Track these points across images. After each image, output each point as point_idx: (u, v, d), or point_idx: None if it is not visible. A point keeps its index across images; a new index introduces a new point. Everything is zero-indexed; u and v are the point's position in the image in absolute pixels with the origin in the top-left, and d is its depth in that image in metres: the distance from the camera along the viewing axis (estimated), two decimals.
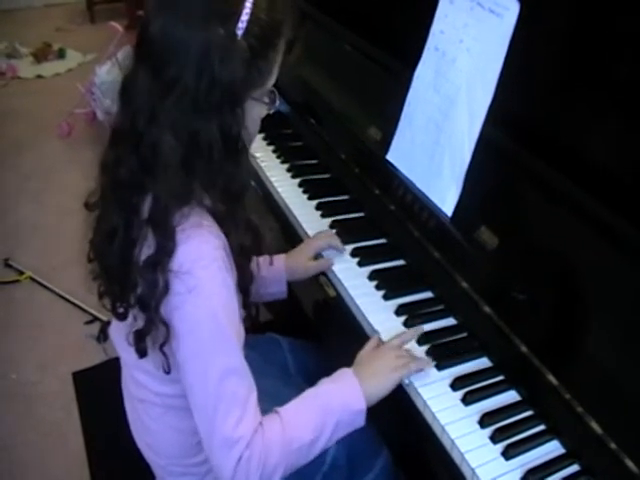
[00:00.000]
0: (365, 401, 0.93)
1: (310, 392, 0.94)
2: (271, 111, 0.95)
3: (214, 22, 0.80)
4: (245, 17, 0.81)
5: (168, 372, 0.90)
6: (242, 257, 0.92)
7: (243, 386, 0.86)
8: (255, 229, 0.93)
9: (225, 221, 0.89)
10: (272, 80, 0.92)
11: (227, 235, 0.88)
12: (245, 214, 0.91)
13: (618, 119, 1.00)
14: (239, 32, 0.81)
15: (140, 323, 0.88)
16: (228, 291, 0.87)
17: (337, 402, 0.92)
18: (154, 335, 0.87)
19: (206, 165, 0.84)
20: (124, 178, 0.86)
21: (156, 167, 0.83)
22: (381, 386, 0.96)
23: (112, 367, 1.14)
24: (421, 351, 1.04)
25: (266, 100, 0.92)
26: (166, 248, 0.83)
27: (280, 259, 1.24)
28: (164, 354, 0.89)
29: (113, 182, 0.88)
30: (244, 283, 0.96)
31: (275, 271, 1.22)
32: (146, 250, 0.85)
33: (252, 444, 0.84)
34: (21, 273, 2.50)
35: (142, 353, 0.90)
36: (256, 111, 0.92)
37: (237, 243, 0.89)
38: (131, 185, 0.86)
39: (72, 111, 3.52)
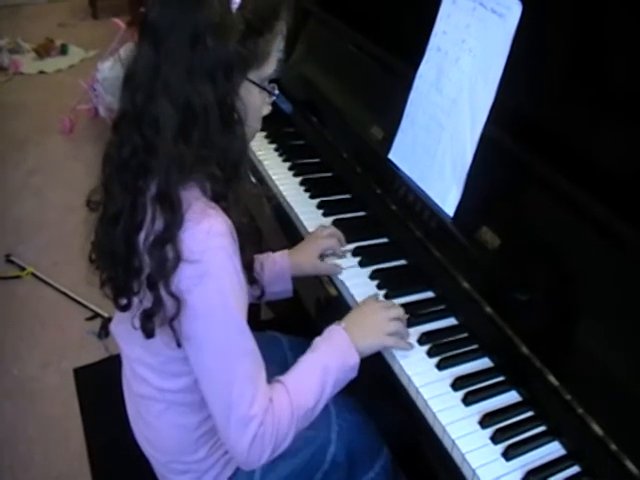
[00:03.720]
0: (358, 356, 0.98)
1: (309, 357, 0.98)
2: (272, 100, 0.98)
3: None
4: None
5: (179, 346, 0.91)
6: (243, 236, 0.93)
7: (255, 366, 0.90)
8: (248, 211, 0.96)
9: (226, 198, 0.90)
10: (270, 66, 0.94)
11: (227, 211, 0.89)
12: (244, 188, 0.93)
13: (621, 119, 1.00)
14: (234, 6, 0.86)
15: (147, 304, 0.88)
16: (237, 277, 0.89)
17: (335, 363, 0.97)
18: (161, 315, 0.87)
19: (203, 133, 0.86)
20: (128, 159, 0.87)
21: (158, 143, 0.85)
22: (369, 347, 1.01)
23: (113, 364, 1.15)
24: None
25: (265, 86, 0.95)
26: (174, 222, 0.84)
27: (284, 255, 1.23)
28: (173, 329, 0.89)
29: (118, 165, 0.89)
30: (247, 261, 0.98)
31: (279, 268, 1.22)
32: (151, 233, 0.85)
33: (265, 421, 0.88)
34: (23, 269, 2.50)
35: (149, 334, 0.90)
36: (255, 99, 0.94)
37: (238, 220, 0.91)
38: (136, 166, 0.87)
39: (74, 107, 3.52)
